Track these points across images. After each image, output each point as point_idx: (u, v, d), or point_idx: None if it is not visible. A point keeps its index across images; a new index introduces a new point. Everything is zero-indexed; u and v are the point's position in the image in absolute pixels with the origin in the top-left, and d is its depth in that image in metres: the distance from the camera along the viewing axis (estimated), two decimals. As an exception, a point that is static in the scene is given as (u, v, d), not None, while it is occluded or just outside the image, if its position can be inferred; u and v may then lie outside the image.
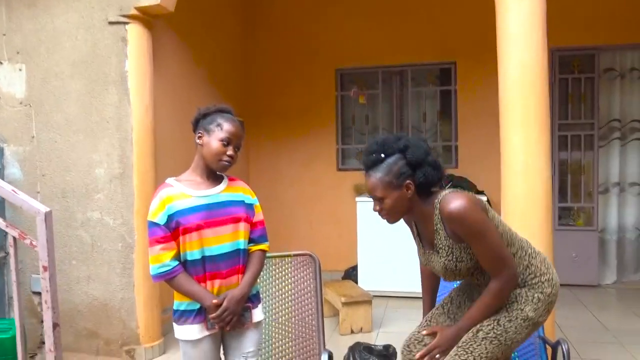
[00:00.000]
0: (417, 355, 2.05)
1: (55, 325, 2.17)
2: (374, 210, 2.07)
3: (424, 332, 2.13)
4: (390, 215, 2.04)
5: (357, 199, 5.15)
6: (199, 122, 2.18)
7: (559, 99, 5.41)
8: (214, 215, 2.08)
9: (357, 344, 3.47)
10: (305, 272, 2.89)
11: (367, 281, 4.98)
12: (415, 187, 1.98)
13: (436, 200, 1.99)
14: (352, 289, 4.24)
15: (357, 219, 5.10)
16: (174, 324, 2.16)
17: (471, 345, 1.98)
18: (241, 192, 2.22)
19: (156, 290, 3.63)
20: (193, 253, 2.06)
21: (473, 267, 2.03)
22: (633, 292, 5.14)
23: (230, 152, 2.11)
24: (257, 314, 2.23)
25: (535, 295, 2.05)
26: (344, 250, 5.68)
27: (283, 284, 2.90)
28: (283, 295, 2.89)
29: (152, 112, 3.63)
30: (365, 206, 5.07)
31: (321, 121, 6.00)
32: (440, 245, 2.01)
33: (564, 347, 2.35)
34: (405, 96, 5.95)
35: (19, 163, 3.70)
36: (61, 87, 3.62)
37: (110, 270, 3.57)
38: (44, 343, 3.64)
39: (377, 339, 3.87)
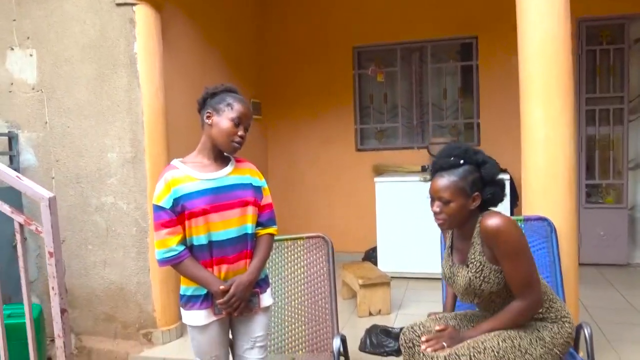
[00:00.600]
0: (423, 337, 2.05)
1: (63, 311, 2.15)
2: (433, 210, 2.07)
3: (437, 328, 2.09)
4: (448, 220, 2.04)
5: (376, 179, 5.05)
6: (206, 102, 2.12)
7: (586, 71, 5.17)
8: (221, 199, 2.03)
9: (374, 326, 3.41)
10: (318, 255, 2.83)
11: (386, 262, 4.91)
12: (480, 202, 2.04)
13: (478, 217, 2.05)
14: (370, 271, 4.17)
15: (376, 199, 5.00)
16: (181, 309, 2.13)
17: (485, 338, 1.99)
18: (249, 174, 2.15)
19: (172, 274, 3.61)
20: (199, 238, 2.02)
21: (495, 294, 2.05)
22: (664, 272, 4.96)
23: (241, 132, 2.06)
24: (266, 299, 2.19)
25: (555, 327, 2.08)
26: (363, 232, 5.62)
27: (295, 267, 2.85)
28: (295, 279, 2.84)
29: (162, 94, 3.58)
30: (384, 187, 4.98)
31: (339, 101, 5.89)
32: (472, 260, 2.05)
33: (586, 330, 2.26)
34: (425, 73, 5.79)
35: (33, 149, 3.71)
36: (71, 71, 3.59)
37: (125, 254, 3.57)
38: (66, 326, 3.69)
39: (396, 321, 3.81)
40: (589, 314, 3.75)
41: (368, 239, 5.40)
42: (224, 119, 2.03)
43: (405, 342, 2.15)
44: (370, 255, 5.28)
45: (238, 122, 2.04)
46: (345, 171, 5.93)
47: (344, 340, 2.62)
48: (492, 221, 1.97)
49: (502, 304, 2.08)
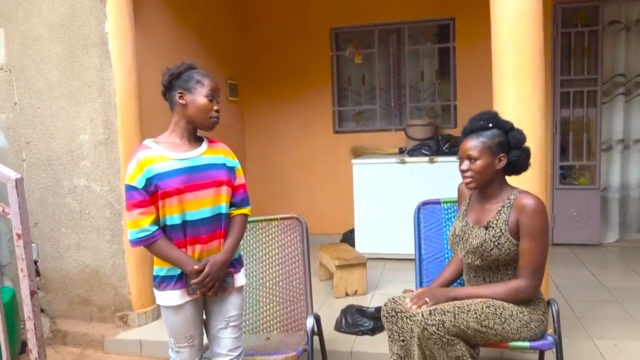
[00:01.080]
0: (409, 299, 2.19)
1: (32, 293, 2.13)
2: (460, 168, 2.22)
3: (419, 290, 2.27)
4: (474, 176, 2.19)
5: (354, 161, 5.06)
6: (172, 83, 2.11)
7: (561, 54, 5.22)
8: (195, 179, 2.03)
9: (350, 306, 3.45)
10: (292, 236, 2.84)
11: (364, 244, 4.94)
12: (505, 164, 2.19)
13: (514, 190, 2.21)
14: (347, 252, 4.20)
15: (354, 181, 5.02)
16: (154, 289, 2.12)
17: (471, 301, 2.13)
18: (222, 154, 2.16)
19: (147, 257, 3.58)
20: (173, 218, 2.01)
21: (498, 261, 2.18)
22: (634, 251, 5.07)
23: (216, 106, 2.08)
24: (240, 279, 2.20)
25: (532, 304, 2.22)
26: (341, 213, 5.64)
27: (270, 247, 2.86)
28: (270, 259, 2.85)
29: (135, 75, 3.52)
30: (361, 168, 4.99)
31: (316, 83, 5.86)
32: (493, 225, 2.17)
33: (554, 307, 2.32)
34: (402, 55, 5.78)
35: (3, 131, 3.63)
36: (41, 51, 3.51)
37: (99, 237, 3.54)
38: (42, 311, 3.65)
39: (372, 301, 3.84)
40: (560, 293, 3.84)
41: (346, 220, 5.42)
42: (198, 96, 2.04)
43: (387, 312, 2.23)
44: (349, 237, 5.31)
45: (212, 97, 2.06)
46: (323, 153, 5.93)
47: (317, 320, 2.65)
48: (533, 200, 2.12)
49: (495, 277, 2.22)
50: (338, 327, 3.33)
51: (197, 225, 2.03)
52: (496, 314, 2.11)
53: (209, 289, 2.04)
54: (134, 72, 3.51)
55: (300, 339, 2.59)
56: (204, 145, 2.13)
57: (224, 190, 2.10)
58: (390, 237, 4.85)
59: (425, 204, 2.87)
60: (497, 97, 2.82)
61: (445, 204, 2.85)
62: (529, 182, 2.78)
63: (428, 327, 2.00)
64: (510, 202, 2.16)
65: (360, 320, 3.26)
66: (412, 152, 5.01)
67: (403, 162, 4.86)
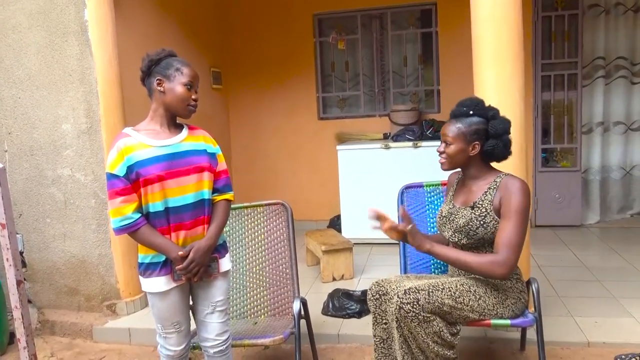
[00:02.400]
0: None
1: (19, 282, 2.14)
2: (437, 150, 2.30)
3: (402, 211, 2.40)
4: (447, 160, 2.27)
5: (338, 147, 5.08)
6: (151, 69, 2.10)
7: (542, 37, 5.26)
8: (176, 166, 2.03)
9: (337, 290, 3.49)
10: (278, 221, 2.86)
11: (350, 229, 4.98)
12: (480, 151, 2.22)
13: (501, 174, 2.25)
14: (333, 237, 4.23)
15: (339, 167, 5.05)
16: (140, 277, 2.13)
17: (445, 280, 2.18)
18: (202, 141, 2.16)
19: (134, 245, 3.54)
20: (155, 205, 2.01)
21: (484, 242, 2.22)
22: (615, 231, 5.18)
23: (194, 95, 2.08)
24: (225, 264, 2.21)
25: (509, 282, 2.25)
26: (328, 199, 5.67)
27: (256, 233, 2.88)
28: (256, 245, 2.88)
29: (116, 63, 3.49)
30: (346, 154, 5.02)
31: (300, 69, 5.85)
32: (479, 205, 2.22)
33: (534, 286, 2.37)
34: (385, 40, 5.79)
35: (-17, 122, 3.59)
36: (20, 40, 3.46)
37: (85, 227, 3.53)
38: (29, 302, 3.65)
39: (359, 285, 3.89)
40: (542, 273, 3.92)
41: (332, 206, 5.45)
42: (176, 84, 2.03)
43: (372, 295, 2.29)
44: (335, 223, 5.34)
45: (190, 86, 2.05)
46: (308, 140, 5.94)
47: (304, 303, 2.68)
48: (518, 181, 2.17)
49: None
50: (325, 311, 3.37)
51: (180, 212, 2.04)
52: (470, 291, 2.17)
53: (194, 275, 2.06)
54: (115, 60, 3.48)
55: (288, 323, 2.63)
56: (184, 132, 2.13)
57: (206, 176, 2.10)
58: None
59: (408, 187, 2.90)
60: (477, 81, 2.85)
61: (428, 187, 2.89)
62: (509, 166, 2.83)
63: (404, 306, 2.04)
64: (496, 184, 2.21)
65: (347, 304, 3.30)
66: (396, 138, 5.04)
67: (387, 148, 4.89)
